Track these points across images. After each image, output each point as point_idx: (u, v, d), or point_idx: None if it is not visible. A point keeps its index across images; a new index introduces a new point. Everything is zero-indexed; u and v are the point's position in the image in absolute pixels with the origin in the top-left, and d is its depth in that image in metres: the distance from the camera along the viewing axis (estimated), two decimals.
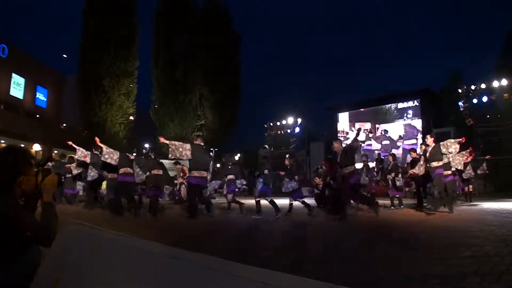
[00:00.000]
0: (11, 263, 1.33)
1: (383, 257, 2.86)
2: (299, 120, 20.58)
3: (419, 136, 17.29)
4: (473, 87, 16.26)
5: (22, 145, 14.67)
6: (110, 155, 7.07)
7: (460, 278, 2.07)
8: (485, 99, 15.81)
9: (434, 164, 6.65)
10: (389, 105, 19.16)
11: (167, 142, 6.41)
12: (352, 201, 6.82)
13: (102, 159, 7.20)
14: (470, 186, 9.14)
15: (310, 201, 7.17)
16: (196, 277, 1.01)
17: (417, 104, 18.21)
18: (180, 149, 6.14)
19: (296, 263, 2.71)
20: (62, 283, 1.13)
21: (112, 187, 7.47)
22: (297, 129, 20.32)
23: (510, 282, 2.03)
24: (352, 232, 4.67)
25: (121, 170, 7.06)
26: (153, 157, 8.42)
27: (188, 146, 6.25)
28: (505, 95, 15.19)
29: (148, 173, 7.61)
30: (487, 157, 9.72)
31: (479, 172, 9.19)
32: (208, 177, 6.92)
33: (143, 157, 8.37)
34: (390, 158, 8.60)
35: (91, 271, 1.13)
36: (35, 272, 1.19)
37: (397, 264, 2.55)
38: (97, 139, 7.52)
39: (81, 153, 7.94)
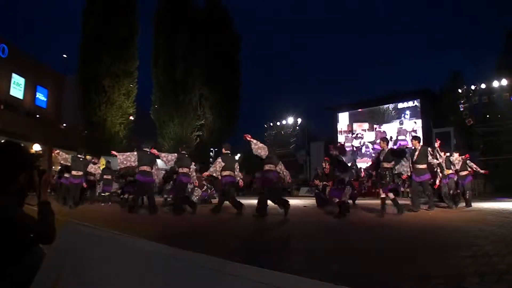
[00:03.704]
0: (12, 264, 1.32)
1: (383, 256, 2.86)
2: (299, 120, 20.60)
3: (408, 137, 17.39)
4: (473, 87, 16.28)
5: (22, 145, 14.59)
6: (128, 159, 7.13)
7: (460, 278, 2.07)
8: (485, 99, 15.83)
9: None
10: (389, 105, 19.16)
11: (116, 154, 7.28)
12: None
13: (121, 165, 7.28)
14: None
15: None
16: (196, 277, 1.01)
17: (417, 104, 18.20)
18: (131, 157, 7.24)
19: (297, 262, 2.71)
20: (62, 283, 1.14)
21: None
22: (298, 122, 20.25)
23: (510, 282, 2.02)
24: (352, 232, 4.67)
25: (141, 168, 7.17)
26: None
27: (134, 153, 7.34)
28: (505, 95, 15.20)
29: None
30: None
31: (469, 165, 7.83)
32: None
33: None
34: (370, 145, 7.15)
35: (91, 271, 1.13)
36: (36, 273, 1.19)
37: (397, 264, 2.55)
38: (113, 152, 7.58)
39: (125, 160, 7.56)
